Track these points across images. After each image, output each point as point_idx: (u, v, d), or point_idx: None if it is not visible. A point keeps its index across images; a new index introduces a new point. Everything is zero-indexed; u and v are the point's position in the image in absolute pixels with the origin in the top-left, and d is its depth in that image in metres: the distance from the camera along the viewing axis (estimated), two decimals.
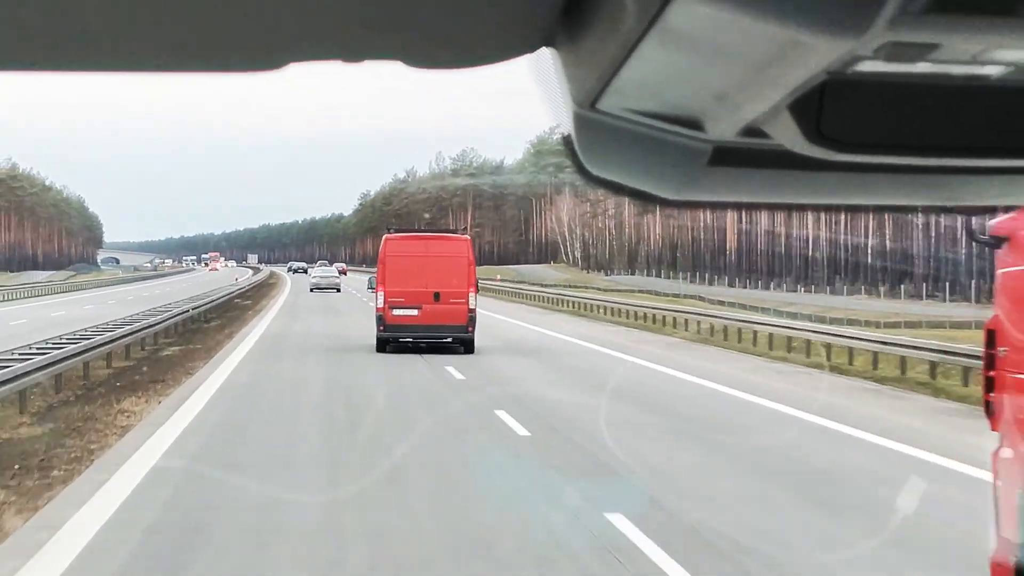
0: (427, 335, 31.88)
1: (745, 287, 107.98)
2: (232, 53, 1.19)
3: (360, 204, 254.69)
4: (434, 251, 32.44)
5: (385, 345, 32.07)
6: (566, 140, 1.26)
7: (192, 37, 1.15)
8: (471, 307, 31.89)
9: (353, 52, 1.18)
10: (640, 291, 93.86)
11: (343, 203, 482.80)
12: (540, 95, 1.26)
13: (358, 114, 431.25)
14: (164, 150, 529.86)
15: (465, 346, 32.00)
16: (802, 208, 1.36)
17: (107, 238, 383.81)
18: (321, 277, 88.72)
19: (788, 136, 1.06)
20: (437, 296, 31.75)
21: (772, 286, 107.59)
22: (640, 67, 1.07)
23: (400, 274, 31.92)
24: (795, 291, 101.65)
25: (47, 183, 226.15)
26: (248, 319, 51.18)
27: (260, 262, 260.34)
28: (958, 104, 1.05)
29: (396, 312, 31.95)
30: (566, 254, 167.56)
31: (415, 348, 32.04)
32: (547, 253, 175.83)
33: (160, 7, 1.10)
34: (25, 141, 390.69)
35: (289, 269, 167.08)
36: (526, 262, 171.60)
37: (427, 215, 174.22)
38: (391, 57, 1.17)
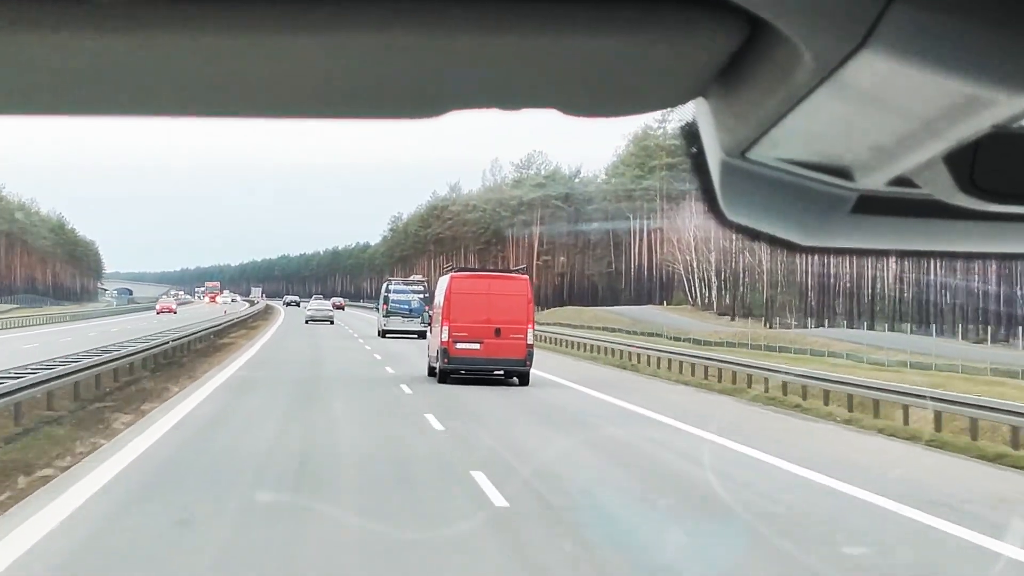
0: (487, 367, 33.86)
1: None
2: (397, 100, 1.22)
3: (390, 230, 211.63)
4: (496, 289, 34.33)
5: (447, 376, 33.80)
6: (706, 187, 1.27)
7: (362, 85, 1.18)
8: (529, 342, 33.77)
9: (511, 100, 1.20)
10: (926, 365, 48.31)
11: (372, 232, 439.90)
12: (685, 142, 1.27)
13: (397, 143, 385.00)
14: (182, 181, 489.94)
15: (520, 379, 33.93)
16: (946, 256, 1.32)
17: (124, 268, 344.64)
18: (316, 311, 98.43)
19: (939, 186, 1.09)
20: (498, 331, 33.44)
21: None
22: (803, 119, 1.09)
23: (464, 310, 33.69)
24: None
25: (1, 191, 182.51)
26: None
27: (264, 294, 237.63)
28: None
29: (460, 346, 33.64)
30: (690, 292, 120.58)
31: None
32: (655, 291, 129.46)
33: (334, 57, 1.13)
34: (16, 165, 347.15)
35: (284, 303, 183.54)
36: (615, 302, 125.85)
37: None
38: (548, 105, 1.19)
